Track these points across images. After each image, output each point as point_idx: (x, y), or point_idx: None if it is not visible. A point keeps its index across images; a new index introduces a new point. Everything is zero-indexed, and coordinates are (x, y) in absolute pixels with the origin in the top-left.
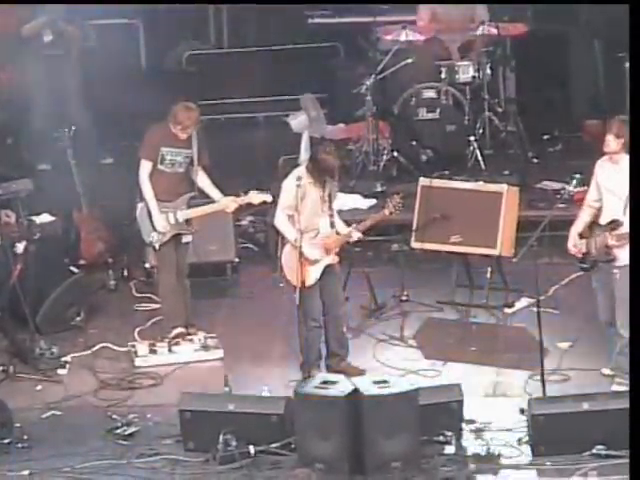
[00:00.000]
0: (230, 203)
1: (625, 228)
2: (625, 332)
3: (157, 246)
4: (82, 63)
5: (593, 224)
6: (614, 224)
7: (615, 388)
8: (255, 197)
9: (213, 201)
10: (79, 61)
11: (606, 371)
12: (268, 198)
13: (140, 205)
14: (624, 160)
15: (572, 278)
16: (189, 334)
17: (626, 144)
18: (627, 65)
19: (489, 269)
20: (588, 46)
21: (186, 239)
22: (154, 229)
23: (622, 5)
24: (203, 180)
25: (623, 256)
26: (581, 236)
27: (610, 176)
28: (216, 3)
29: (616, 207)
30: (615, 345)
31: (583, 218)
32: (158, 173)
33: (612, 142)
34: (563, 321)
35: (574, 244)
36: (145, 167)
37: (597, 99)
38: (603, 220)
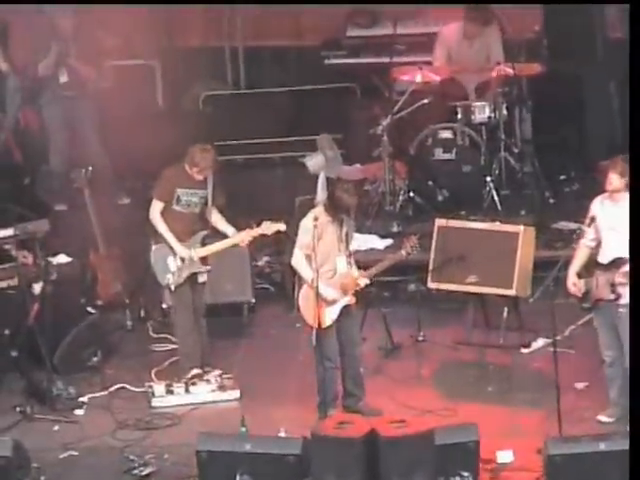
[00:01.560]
0: (245, 236)
1: None
2: None
3: (173, 287)
4: (99, 104)
5: (591, 263)
6: (619, 262)
7: None
8: (268, 227)
9: (227, 237)
10: (95, 102)
11: (603, 419)
12: (282, 227)
13: (154, 247)
14: (624, 198)
15: (588, 318)
16: (205, 373)
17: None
18: None
19: (505, 309)
20: (604, 86)
21: (202, 279)
22: (169, 270)
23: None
24: (217, 219)
25: (628, 294)
26: (579, 276)
27: (611, 214)
28: (229, 3)
29: (619, 245)
30: (624, 385)
31: (580, 257)
32: (174, 213)
33: (615, 180)
34: (579, 361)
35: (574, 283)
36: (156, 207)
37: (613, 140)
38: (603, 258)
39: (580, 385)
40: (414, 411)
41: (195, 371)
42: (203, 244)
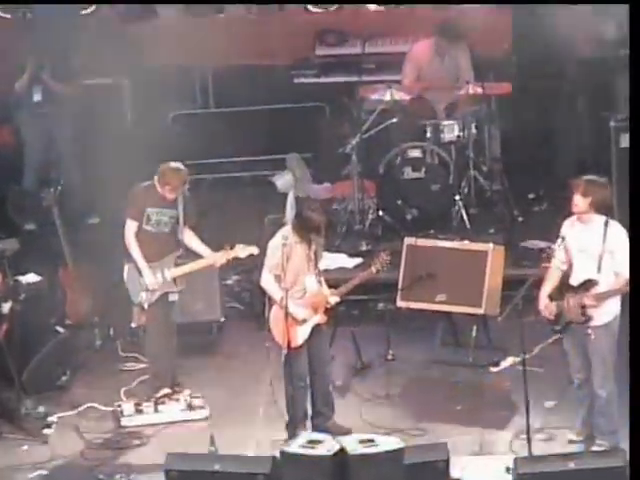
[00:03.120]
0: (219, 258)
1: (601, 287)
2: (603, 392)
3: (146, 306)
4: (70, 123)
5: (563, 285)
6: (589, 284)
7: (595, 449)
8: (241, 251)
9: (201, 257)
10: (68, 121)
11: (572, 437)
12: (254, 251)
13: (127, 266)
14: (594, 219)
15: (557, 337)
16: (175, 393)
17: (594, 203)
18: (612, 124)
19: (474, 328)
20: (573, 105)
21: (173, 298)
22: (142, 289)
23: (605, 63)
24: (191, 239)
25: (598, 316)
26: (551, 298)
27: (580, 236)
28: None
29: (589, 267)
30: (591, 406)
31: (551, 280)
32: (144, 233)
33: (580, 202)
34: (548, 380)
35: (545, 305)
36: (130, 227)
37: (582, 158)
38: (574, 281)
39: (549, 404)
40: (383, 430)
41: (164, 390)
42: (176, 264)
